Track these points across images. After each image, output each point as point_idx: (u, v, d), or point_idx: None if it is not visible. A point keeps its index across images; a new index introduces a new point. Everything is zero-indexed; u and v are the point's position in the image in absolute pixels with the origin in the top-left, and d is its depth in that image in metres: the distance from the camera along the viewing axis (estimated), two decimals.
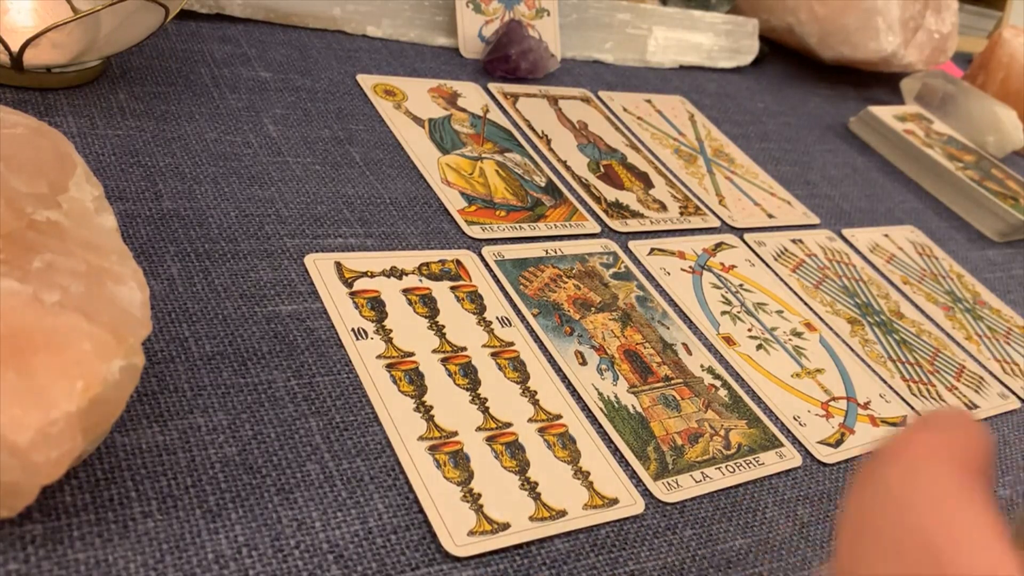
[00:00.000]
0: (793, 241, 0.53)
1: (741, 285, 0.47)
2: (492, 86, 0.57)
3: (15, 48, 0.39)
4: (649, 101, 0.63)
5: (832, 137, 0.71)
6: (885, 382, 0.45)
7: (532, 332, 0.39)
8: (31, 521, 0.25)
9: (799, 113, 0.73)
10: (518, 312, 0.40)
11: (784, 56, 0.83)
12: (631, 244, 0.47)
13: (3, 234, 0.24)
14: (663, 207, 0.52)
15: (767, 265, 0.50)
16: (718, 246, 0.49)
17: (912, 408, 0.44)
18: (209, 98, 0.46)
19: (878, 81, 0.85)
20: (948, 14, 0.83)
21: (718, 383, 0.40)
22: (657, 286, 0.45)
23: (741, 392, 0.40)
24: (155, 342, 0.32)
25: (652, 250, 0.47)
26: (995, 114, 0.79)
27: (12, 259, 0.24)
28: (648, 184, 0.53)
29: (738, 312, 0.44)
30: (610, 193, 0.51)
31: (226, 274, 0.36)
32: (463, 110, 0.53)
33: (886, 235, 0.58)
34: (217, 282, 0.35)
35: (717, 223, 0.52)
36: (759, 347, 0.43)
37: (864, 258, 0.55)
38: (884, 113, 0.73)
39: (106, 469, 0.27)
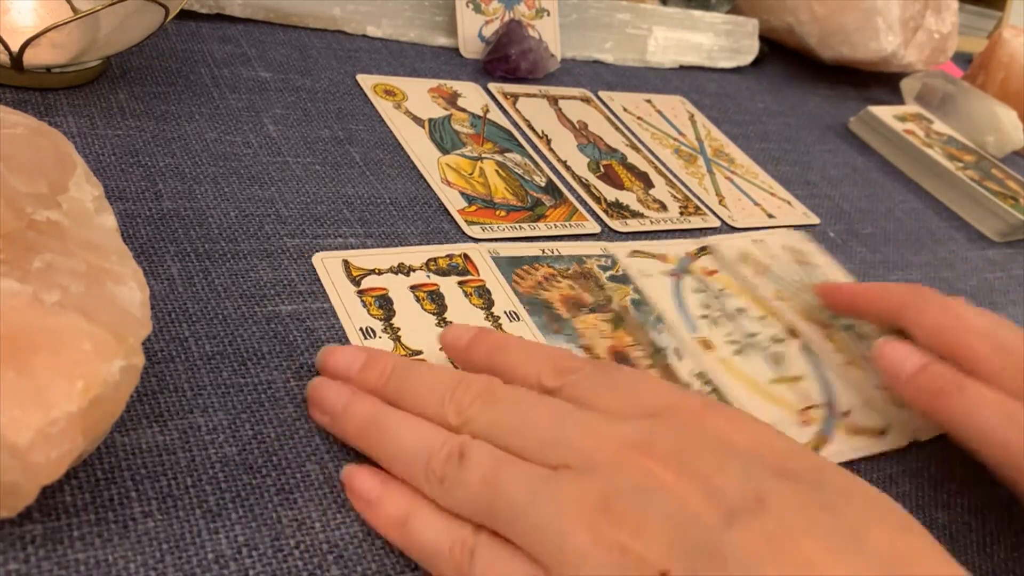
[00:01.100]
0: (754, 241, 0.51)
1: (722, 290, 0.46)
2: (492, 86, 0.57)
3: (15, 48, 0.39)
4: (649, 101, 0.63)
5: (832, 137, 0.71)
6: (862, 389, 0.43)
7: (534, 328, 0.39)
8: (31, 521, 0.25)
9: (799, 113, 0.73)
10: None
11: (784, 56, 0.83)
12: (610, 246, 0.47)
13: (3, 234, 0.24)
14: (663, 207, 0.52)
15: (736, 270, 0.48)
16: (701, 250, 0.49)
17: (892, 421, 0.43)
18: (209, 98, 0.46)
19: (878, 81, 0.85)
20: (948, 14, 0.83)
21: (707, 389, 0.40)
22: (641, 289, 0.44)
23: (730, 399, 0.40)
24: (155, 342, 0.32)
25: (633, 252, 0.46)
26: (995, 114, 0.78)
27: (12, 259, 0.24)
28: (648, 184, 0.53)
29: (717, 317, 0.44)
30: (610, 193, 0.51)
31: (226, 274, 0.36)
32: (463, 110, 0.53)
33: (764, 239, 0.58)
34: (217, 282, 0.35)
35: (717, 223, 0.52)
36: (737, 352, 0.42)
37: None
38: (884, 113, 0.73)
39: (106, 469, 0.27)
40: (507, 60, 0.58)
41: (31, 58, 0.40)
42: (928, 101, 0.80)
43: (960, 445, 0.35)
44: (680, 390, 0.28)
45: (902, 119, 0.74)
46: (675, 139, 0.60)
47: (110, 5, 0.39)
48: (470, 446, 0.26)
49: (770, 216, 0.55)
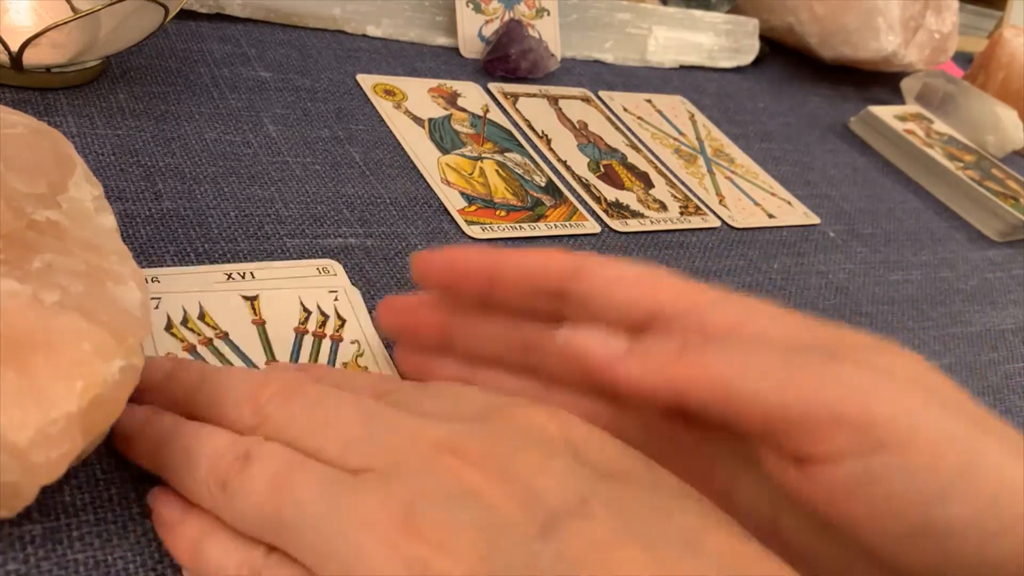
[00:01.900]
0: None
1: None
2: (492, 86, 0.57)
3: (15, 48, 0.39)
4: (649, 101, 0.63)
5: (832, 137, 0.71)
6: None
7: None
8: (31, 521, 0.25)
9: (799, 113, 0.73)
10: None
11: (784, 56, 0.83)
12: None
13: (3, 234, 0.24)
14: (663, 207, 0.52)
15: None
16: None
17: None
18: (209, 98, 0.46)
19: (878, 81, 0.85)
20: (948, 14, 0.83)
21: None
22: None
23: None
24: None
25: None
26: (995, 114, 0.78)
27: (12, 259, 0.24)
28: (648, 184, 0.53)
29: None
30: (610, 193, 0.51)
31: None
32: (463, 110, 0.53)
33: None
34: None
35: (717, 223, 0.52)
36: None
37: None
38: (884, 113, 0.73)
39: (106, 469, 0.27)
40: (507, 60, 0.58)
41: (31, 58, 0.40)
42: (928, 101, 0.80)
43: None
44: (507, 397, 0.25)
45: (902, 119, 0.74)
46: (675, 139, 0.60)
47: (110, 5, 0.39)
48: (259, 446, 0.23)
49: (771, 216, 0.55)
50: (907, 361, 0.23)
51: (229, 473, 0.22)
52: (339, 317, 0.34)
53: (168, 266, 0.35)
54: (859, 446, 0.21)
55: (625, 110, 0.61)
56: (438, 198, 0.45)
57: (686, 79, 0.70)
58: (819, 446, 0.21)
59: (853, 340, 0.24)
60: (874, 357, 0.23)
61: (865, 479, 0.21)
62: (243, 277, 0.35)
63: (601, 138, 0.56)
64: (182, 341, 0.31)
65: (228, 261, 0.36)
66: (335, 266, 0.37)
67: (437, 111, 0.52)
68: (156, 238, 0.36)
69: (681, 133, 0.61)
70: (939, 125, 0.76)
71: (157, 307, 0.32)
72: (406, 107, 0.51)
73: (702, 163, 0.58)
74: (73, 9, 0.43)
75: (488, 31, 0.60)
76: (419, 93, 0.53)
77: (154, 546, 0.25)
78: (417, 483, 0.21)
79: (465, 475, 0.21)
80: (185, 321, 0.32)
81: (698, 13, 0.73)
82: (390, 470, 0.21)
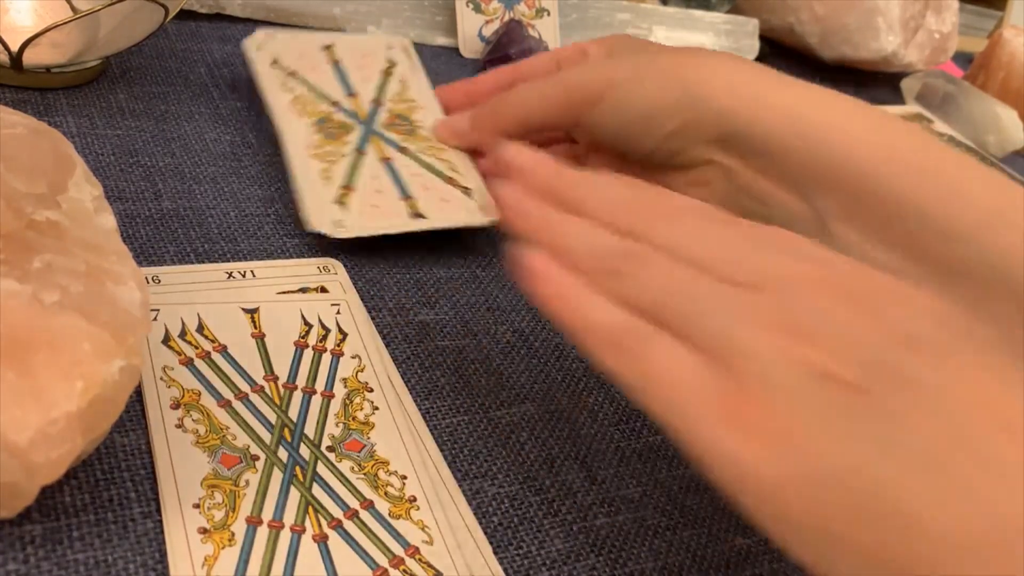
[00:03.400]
0: None
1: None
2: None
3: (15, 48, 0.39)
4: (330, 48, 0.46)
5: None
6: None
7: None
8: (30, 521, 0.25)
9: None
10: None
11: (784, 56, 0.83)
12: None
13: (3, 234, 0.24)
14: None
15: None
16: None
17: None
18: (209, 98, 0.46)
19: (878, 81, 0.85)
20: (948, 14, 0.83)
21: None
22: None
23: None
24: None
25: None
26: (995, 114, 0.78)
27: (12, 259, 0.24)
28: None
29: None
30: None
31: None
32: None
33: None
34: None
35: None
36: None
37: None
38: None
39: (106, 469, 0.27)
40: (507, 60, 0.58)
41: (31, 58, 0.40)
42: (928, 101, 0.80)
43: None
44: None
45: (902, 119, 0.74)
46: (334, 103, 0.43)
47: (110, 5, 0.39)
48: (646, 252, 0.27)
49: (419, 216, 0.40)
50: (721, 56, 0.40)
51: (620, 265, 0.26)
52: (340, 331, 0.34)
53: (168, 265, 0.35)
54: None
55: (275, 62, 0.44)
56: None
57: None
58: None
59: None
60: (690, 57, 0.40)
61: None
62: (243, 276, 0.35)
63: None
64: (179, 354, 0.31)
65: (228, 261, 0.36)
66: (336, 264, 0.37)
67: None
68: (156, 238, 0.36)
69: (351, 94, 0.44)
70: (939, 125, 0.76)
71: (155, 319, 0.31)
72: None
73: (352, 138, 0.42)
74: (73, 9, 0.43)
75: (488, 31, 0.60)
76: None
77: (154, 546, 0.25)
78: (798, 303, 0.24)
79: (826, 302, 0.24)
80: (183, 334, 0.31)
81: (698, 13, 0.73)
82: (775, 289, 0.25)
